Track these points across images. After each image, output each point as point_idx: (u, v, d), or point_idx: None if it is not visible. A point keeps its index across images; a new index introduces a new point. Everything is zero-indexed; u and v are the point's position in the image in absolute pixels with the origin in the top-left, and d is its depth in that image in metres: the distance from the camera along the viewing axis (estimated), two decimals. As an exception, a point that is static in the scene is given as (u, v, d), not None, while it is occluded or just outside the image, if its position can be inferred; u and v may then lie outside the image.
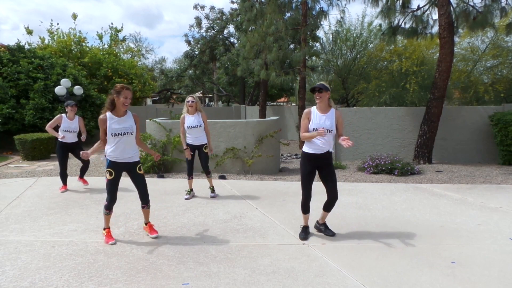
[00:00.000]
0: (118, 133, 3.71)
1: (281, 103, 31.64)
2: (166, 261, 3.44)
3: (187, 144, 5.62)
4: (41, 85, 12.20)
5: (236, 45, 20.09)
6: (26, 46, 14.23)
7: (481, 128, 9.25)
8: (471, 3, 8.89)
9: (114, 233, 4.17)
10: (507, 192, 6.14)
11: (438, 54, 9.17)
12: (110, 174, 3.76)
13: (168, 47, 73.25)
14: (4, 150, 12.10)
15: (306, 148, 3.93)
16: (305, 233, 4.08)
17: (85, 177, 6.70)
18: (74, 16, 19.79)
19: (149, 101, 27.29)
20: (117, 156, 3.76)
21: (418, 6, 9.78)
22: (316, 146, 3.84)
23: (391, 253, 3.61)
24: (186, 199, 5.67)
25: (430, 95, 8.96)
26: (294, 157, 10.72)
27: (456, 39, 11.24)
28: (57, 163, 9.48)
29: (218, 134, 7.84)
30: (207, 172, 5.77)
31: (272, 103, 28.53)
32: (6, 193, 6.12)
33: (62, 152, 6.17)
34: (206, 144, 5.66)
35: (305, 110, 3.90)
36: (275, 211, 5.05)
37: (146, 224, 4.16)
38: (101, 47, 20.06)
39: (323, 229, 4.19)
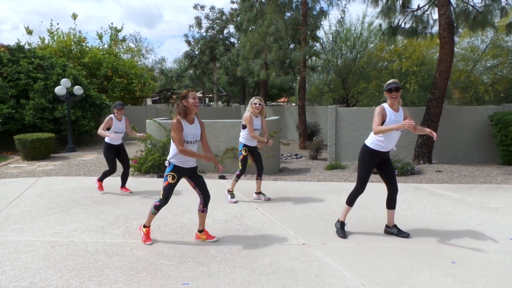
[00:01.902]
0: (190, 141, 3.68)
1: (281, 103, 31.65)
2: (166, 261, 3.44)
3: (244, 145, 5.44)
4: (41, 85, 12.20)
5: (236, 45, 20.08)
6: (26, 46, 14.22)
7: (481, 128, 9.24)
8: (471, 3, 8.89)
9: (114, 233, 4.18)
10: (507, 192, 6.14)
11: (438, 54, 9.17)
12: (173, 178, 3.72)
13: (168, 47, 73.24)
14: (4, 150, 12.10)
15: (373, 145, 3.90)
16: (344, 231, 4.06)
17: (84, 177, 6.70)
18: (74, 16, 19.79)
19: (149, 101, 27.28)
20: (183, 161, 3.72)
21: (418, 6, 9.78)
22: (385, 144, 3.85)
23: (391, 253, 3.61)
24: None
25: (430, 95, 8.96)
26: (294, 157, 10.72)
27: (456, 39, 11.24)
28: (57, 163, 9.52)
29: (218, 134, 7.85)
30: (261, 174, 5.63)
31: (272, 103, 28.51)
32: (6, 193, 6.13)
33: (112, 154, 6.10)
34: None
35: (379, 107, 3.80)
36: (275, 211, 5.05)
37: (201, 231, 3.95)
38: (101, 47, 20.04)
39: (396, 232, 4.09)
